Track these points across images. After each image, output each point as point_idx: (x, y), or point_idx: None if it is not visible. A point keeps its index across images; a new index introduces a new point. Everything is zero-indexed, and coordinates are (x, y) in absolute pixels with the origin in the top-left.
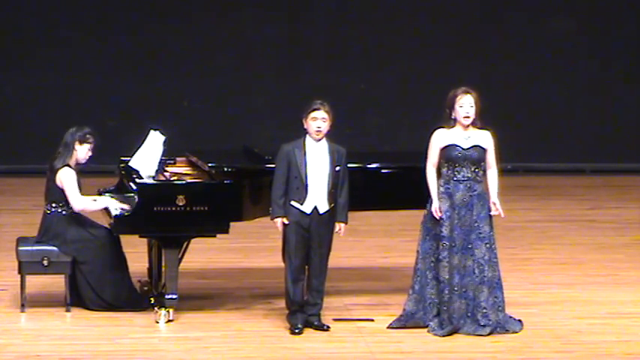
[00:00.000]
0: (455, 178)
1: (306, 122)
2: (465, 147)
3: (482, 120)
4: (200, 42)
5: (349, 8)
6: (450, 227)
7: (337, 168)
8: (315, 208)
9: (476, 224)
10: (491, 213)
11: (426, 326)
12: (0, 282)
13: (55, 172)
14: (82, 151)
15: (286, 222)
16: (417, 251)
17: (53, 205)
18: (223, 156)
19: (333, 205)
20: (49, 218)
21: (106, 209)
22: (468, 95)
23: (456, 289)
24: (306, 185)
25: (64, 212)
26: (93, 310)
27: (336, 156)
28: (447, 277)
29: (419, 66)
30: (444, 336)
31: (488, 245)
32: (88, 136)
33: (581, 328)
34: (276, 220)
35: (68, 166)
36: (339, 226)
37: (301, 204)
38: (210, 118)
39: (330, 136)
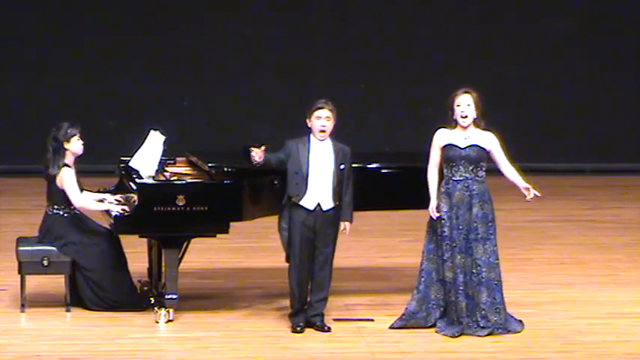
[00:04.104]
0: (453, 178)
1: (310, 121)
2: (462, 146)
3: (484, 120)
4: (200, 42)
5: (350, 8)
6: (450, 227)
7: (342, 166)
8: (319, 205)
9: (474, 224)
10: (528, 198)
11: (427, 327)
12: (0, 282)
13: (54, 176)
14: (74, 146)
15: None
16: (423, 252)
17: (55, 207)
18: (223, 156)
19: (338, 203)
20: (51, 220)
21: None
22: (466, 95)
23: (461, 288)
24: (307, 182)
25: (65, 214)
26: (93, 310)
27: (341, 155)
28: (451, 277)
29: (419, 66)
30: (454, 336)
31: (486, 246)
32: (70, 130)
33: (581, 328)
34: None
35: (66, 165)
36: (344, 225)
37: (299, 199)
38: (210, 118)
39: (331, 135)
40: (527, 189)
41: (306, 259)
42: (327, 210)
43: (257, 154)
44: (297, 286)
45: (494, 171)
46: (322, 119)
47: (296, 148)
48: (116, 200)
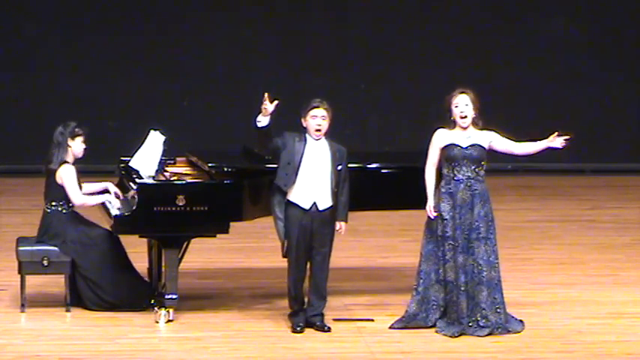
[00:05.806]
0: (455, 178)
1: (306, 121)
2: (464, 146)
3: (484, 120)
4: (200, 42)
5: (349, 8)
6: (453, 227)
7: (339, 167)
8: (315, 204)
9: (476, 224)
10: (561, 146)
11: (428, 327)
12: (0, 282)
13: (53, 172)
14: (77, 146)
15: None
16: (421, 253)
17: (53, 203)
18: (223, 156)
19: (335, 203)
20: (49, 217)
21: (106, 209)
22: (463, 95)
23: (462, 288)
24: (297, 174)
25: (63, 211)
26: (93, 310)
27: (338, 155)
28: (453, 277)
29: (419, 66)
30: (454, 336)
31: (487, 245)
32: (77, 129)
33: (581, 328)
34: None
35: (66, 162)
36: (340, 225)
37: (287, 189)
38: (210, 118)
39: (331, 136)
40: (553, 139)
41: (302, 259)
42: (324, 210)
43: (267, 106)
44: (293, 285)
45: (495, 171)
46: (318, 118)
47: (293, 140)
48: (115, 193)
